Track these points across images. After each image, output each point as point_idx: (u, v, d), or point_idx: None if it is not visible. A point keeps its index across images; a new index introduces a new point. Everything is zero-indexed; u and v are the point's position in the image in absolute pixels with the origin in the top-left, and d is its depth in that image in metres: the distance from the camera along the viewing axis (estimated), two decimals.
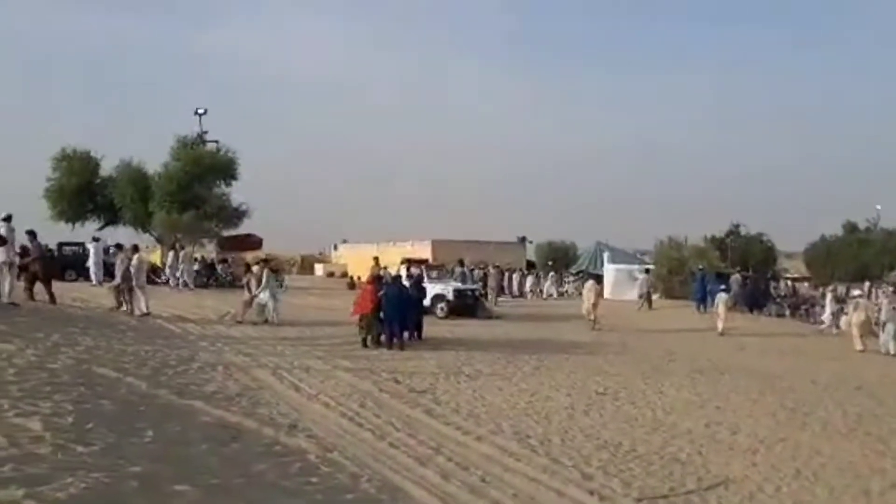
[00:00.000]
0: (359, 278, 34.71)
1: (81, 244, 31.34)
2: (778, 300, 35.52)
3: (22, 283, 16.99)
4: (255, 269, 19.81)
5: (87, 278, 27.46)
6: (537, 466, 7.90)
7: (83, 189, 37.19)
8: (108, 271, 23.04)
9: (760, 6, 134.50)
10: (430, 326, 19.10)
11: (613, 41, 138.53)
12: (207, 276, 33.04)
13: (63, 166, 36.88)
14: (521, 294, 39.11)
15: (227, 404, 9.02)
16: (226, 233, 39.03)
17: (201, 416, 8.22)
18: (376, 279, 17.71)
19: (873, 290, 35.55)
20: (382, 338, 16.18)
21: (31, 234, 17.99)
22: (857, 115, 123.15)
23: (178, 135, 38.50)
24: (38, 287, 17.49)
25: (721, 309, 23.92)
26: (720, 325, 23.55)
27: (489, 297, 30.33)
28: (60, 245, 31.13)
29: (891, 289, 25.93)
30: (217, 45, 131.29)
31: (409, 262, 27.06)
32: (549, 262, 49.84)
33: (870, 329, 21.11)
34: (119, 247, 20.90)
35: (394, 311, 16.31)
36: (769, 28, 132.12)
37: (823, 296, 31.73)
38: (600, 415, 10.80)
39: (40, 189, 37.02)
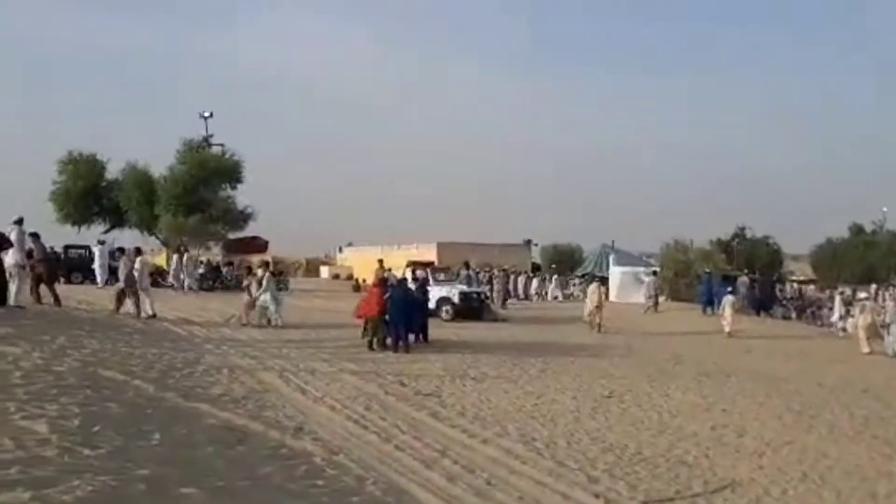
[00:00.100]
0: (364, 281, 34.74)
1: (87, 247, 31.45)
2: (784, 303, 35.43)
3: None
4: (259, 271, 19.82)
5: (93, 281, 27.53)
6: (543, 469, 7.89)
7: (89, 192, 37.34)
8: (114, 274, 23.10)
9: (761, 6, 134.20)
10: (436, 329, 19.10)
11: (613, 41, 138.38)
12: (213, 279, 33.10)
13: (69, 169, 37.04)
14: (527, 297, 39.08)
15: (233, 407, 9.03)
16: (231, 236, 39.14)
17: (207, 419, 8.22)
18: (382, 282, 17.71)
19: (880, 292, 35.45)
20: (388, 340, 16.18)
21: (35, 235, 18.04)
22: (862, 117, 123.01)
23: (183, 138, 38.68)
24: (45, 290, 17.53)
25: (727, 311, 23.91)
26: (727, 328, 23.53)
27: (495, 300, 30.29)
28: (66, 248, 31.24)
29: None
30: (217, 46, 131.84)
31: (414, 265, 27.03)
32: (553, 265, 49.83)
33: (876, 331, 21.06)
34: (121, 250, 20.96)
35: (399, 314, 16.30)
36: (770, 27, 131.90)
37: (830, 298, 31.66)
38: (606, 417, 10.78)
39: (44, 191, 37.22)
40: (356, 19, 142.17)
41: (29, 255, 17.56)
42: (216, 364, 12.20)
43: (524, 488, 7.20)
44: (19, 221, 16.08)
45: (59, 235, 34.02)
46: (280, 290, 30.07)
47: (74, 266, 29.68)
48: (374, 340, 16.03)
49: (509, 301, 33.46)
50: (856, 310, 22.97)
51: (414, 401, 10.84)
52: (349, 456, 7.41)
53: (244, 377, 11.30)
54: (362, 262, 43.54)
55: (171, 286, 30.32)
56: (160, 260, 37.05)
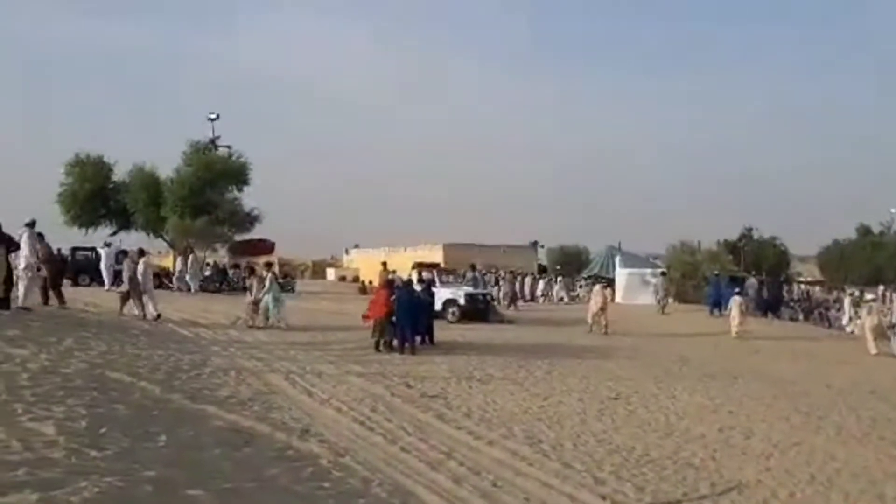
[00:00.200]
0: (370, 283, 34.80)
1: (94, 249, 31.55)
2: (791, 304, 35.35)
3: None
4: (265, 273, 19.85)
5: (101, 283, 27.63)
6: (549, 471, 7.88)
7: (96, 194, 37.41)
8: (119, 276, 23.21)
9: (761, 6, 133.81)
10: (442, 331, 19.09)
11: (613, 41, 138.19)
12: (219, 281, 33.18)
13: (76, 171, 37.12)
14: (533, 298, 39.07)
15: (239, 409, 9.05)
16: (238, 237, 39.17)
17: (214, 421, 8.24)
18: (389, 283, 17.71)
19: (887, 293, 35.32)
20: (394, 342, 16.19)
21: (39, 236, 18.10)
22: (863, 117, 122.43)
23: (190, 140, 38.75)
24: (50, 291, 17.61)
25: (735, 311, 23.87)
26: (734, 329, 23.49)
27: (500, 301, 30.27)
28: (73, 250, 31.36)
29: None
30: (217, 47, 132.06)
31: (420, 267, 27.05)
32: (558, 267, 49.79)
33: (883, 332, 21.01)
34: (124, 253, 21.07)
35: (405, 316, 16.31)
36: (771, 27, 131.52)
37: (836, 300, 31.62)
38: (612, 419, 10.76)
39: (46, 192, 37.36)
40: (356, 19, 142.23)
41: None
42: (223, 366, 12.22)
43: (530, 490, 7.19)
44: (32, 224, 16.16)
45: (66, 238, 34.14)
46: (286, 291, 30.30)
47: (82, 268, 29.83)
48: (381, 342, 16.05)
49: (519, 303, 33.48)
50: (863, 311, 22.92)
51: (420, 402, 10.84)
52: (355, 458, 7.42)
53: (251, 379, 11.32)
54: (369, 264, 43.65)
55: (178, 289, 30.43)
56: (168, 262, 37.17)
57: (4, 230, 14.76)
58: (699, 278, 36.56)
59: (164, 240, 38.25)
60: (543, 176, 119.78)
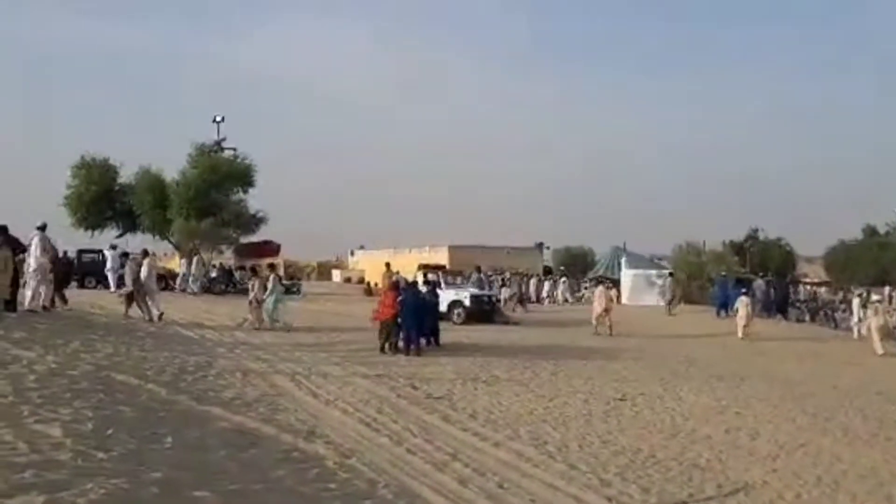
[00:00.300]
0: (375, 284, 34.78)
1: (100, 251, 31.63)
2: (798, 305, 35.26)
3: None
4: (268, 275, 19.86)
5: (107, 286, 27.70)
6: (555, 472, 7.87)
7: (102, 196, 37.49)
8: (123, 279, 23.30)
9: (761, 6, 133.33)
10: (447, 332, 19.07)
11: (613, 41, 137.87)
12: (225, 283, 33.24)
13: (82, 174, 37.21)
14: (538, 300, 39.05)
15: (245, 410, 9.06)
16: (244, 239, 39.25)
17: (220, 422, 8.26)
18: (395, 285, 17.72)
19: (893, 294, 35.20)
20: (400, 344, 16.19)
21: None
22: (870, 117, 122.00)
23: (195, 142, 38.85)
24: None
25: (741, 311, 23.83)
26: (741, 330, 23.44)
27: (505, 303, 30.26)
28: (80, 252, 31.45)
29: None
30: (217, 47, 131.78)
31: (425, 268, 27.06)
32: (562, 268, 49.73)
33: (889, 332, 20.95)
34: (126, 255, 21.14)
35: (411, 318, 16.31)
36: (771, 27, 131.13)
37: (843, 300, 31.51)
38: (618, 420, 10.75)
39: (48, 193, 37.50)
40: (356, 19, 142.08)
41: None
42: (228, 367, 12.24)
43: (536, 491, 7.18)
44: (43, 227, 16.25)
45: (72, 240, 34.26)
46: (293, 293, 30.36)
47: (88, 270, 29.89)
48: (386, 344, 16.06)
49: (529, 304, 33.47)
50: (869, 311, 22.87)
51: (425, 404, 10.84)
52: (361, 459, 7.42)
53: (256, 381, 11.34)
54: (374, 266, 43.58)
55: (183, 290, 30.49)
56: (174, 263, 37.24)
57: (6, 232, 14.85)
58: (704, 279, 36.51)
59: (170, 242, 38.34)
60: (544, 176, 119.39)
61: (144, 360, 11.83)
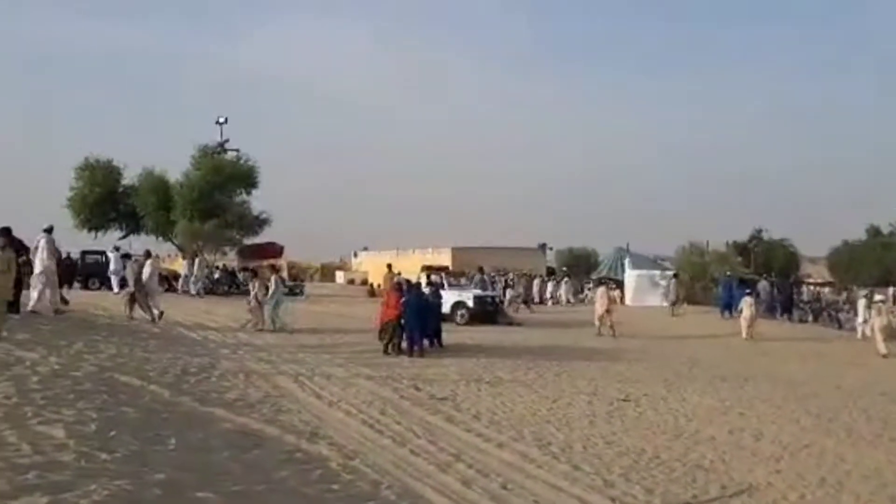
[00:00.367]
0: (379, 286, 34.80)
1: (104, 252, 31.69)
2: (801, 305, 35.20)
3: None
4: (270, 276, 19.87)
5: (111, 287, 27.75)
6: (559, 473, 7.86)
7: (106, 198, 37.59)
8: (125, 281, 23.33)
9: (761, 6, 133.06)
10: (451, 333, 19.07)
11: (613, 41, 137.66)
12: (229, 285, 33.27)
13: (86, 175, 37.30)
14: (542, 301, 39.04)
15: (248, 411, 9.07)
16: (247, 241, 39.30)
17: (223, 424, 8.26)
18: (398, 286, 17.73)
19: None
20: (403, 345, 16.19)
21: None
22: (870, 117, 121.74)
23: (198, 143, 38.92)
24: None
25: (745, 311, 23.81)
26: (745, 331, 23.42)
27: (508, 304, 30.26)
28: (83, 253, 31.51)
29: None
30: (217, 48, 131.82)
31: (429, 270, 27.06)
32: (564, 269, 49.71)
33: (893, 333, 20.90)
34: (127, 257, 21.18)
35: (414, 319, 16.31)
36: (771, 27, 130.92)
37: (847, 301, 31.42)
38: (622, 421, 10.73)
39: (49, 194, 37.61)
40: (356, 19, 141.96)
41: None
42: (231, 369, 12.25)
43: (540, 492, 7.17)
44: (49, 230, 16.28)
45: (76, 241, 34.32)
46: (296, 294, 30.38)
47: (91, 272, 29.94)
48: (390, 345, 16.06)
49: (533, 305, 33.47)
50: (872, 312, 22.81)
51: (429, 405, 10.83)
52: (364, 460, 7.41)
53: (259, 382, 11.34)
54: (377, 267, 43.64)
55: (185, 291, 30.51)
56: (177, 265, 37.28)
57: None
58: (708, 280, 36.48)
59: (174, 243, 38.41)
60: (544, 176, 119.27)
61: (147, 362, 11.85)
